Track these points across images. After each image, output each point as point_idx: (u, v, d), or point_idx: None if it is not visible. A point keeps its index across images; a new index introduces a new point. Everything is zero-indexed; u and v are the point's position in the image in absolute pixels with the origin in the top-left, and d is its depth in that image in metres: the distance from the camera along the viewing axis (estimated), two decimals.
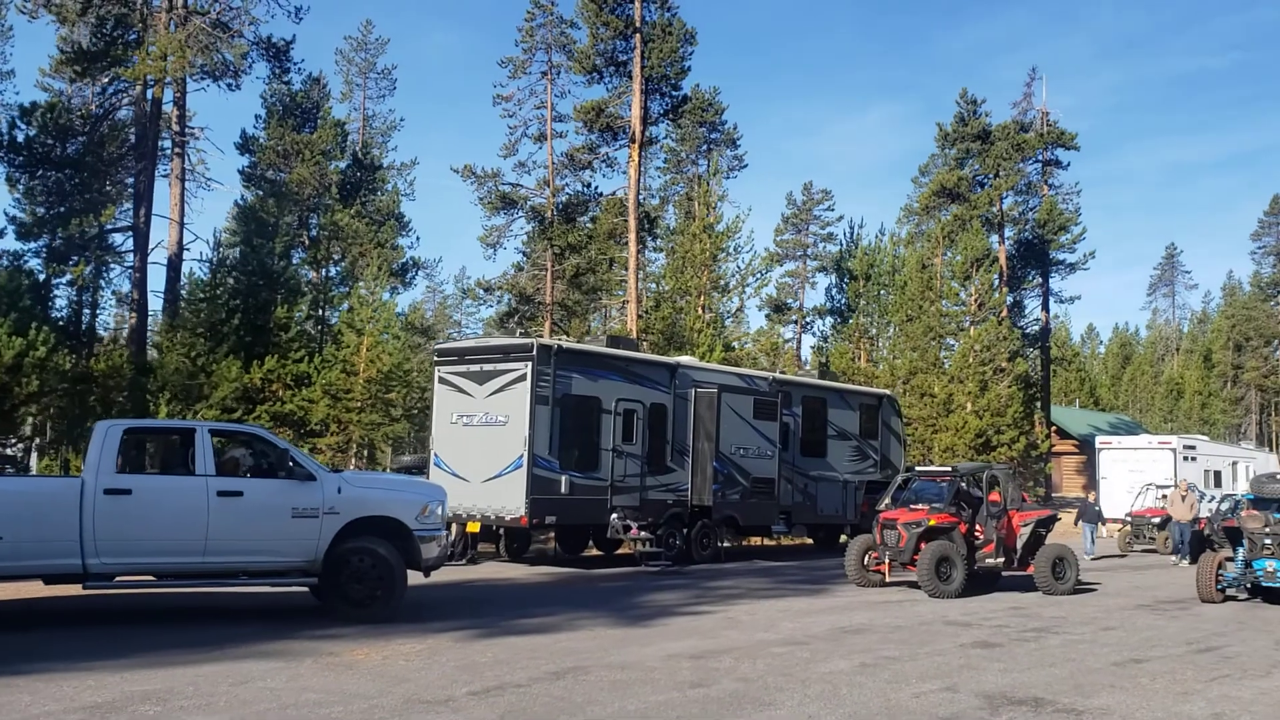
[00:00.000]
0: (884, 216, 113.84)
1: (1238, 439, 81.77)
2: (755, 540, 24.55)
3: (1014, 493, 16.75)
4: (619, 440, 18.60)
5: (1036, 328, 48.84)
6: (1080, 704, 8.24)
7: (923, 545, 15.69)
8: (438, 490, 12.42)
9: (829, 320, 46.14)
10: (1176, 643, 11.68)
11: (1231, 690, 8.96)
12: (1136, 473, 33.95)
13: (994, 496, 16.62)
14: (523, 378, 17.53)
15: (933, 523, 15.87)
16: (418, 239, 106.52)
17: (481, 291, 44.14)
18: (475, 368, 18.29)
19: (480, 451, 17.95)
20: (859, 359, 43.69)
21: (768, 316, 76.01)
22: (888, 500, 17.24)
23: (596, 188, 36.80)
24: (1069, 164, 49.54)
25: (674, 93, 34.11)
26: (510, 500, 17.41)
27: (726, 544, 24.99)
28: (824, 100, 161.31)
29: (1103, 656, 10.55)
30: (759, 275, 34.96)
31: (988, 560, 16.24)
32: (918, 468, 18.06)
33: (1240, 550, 16.12)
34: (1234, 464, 37.17)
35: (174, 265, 28.80)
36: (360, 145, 49.20)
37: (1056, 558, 16.44)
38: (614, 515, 18.43)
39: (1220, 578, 15.99)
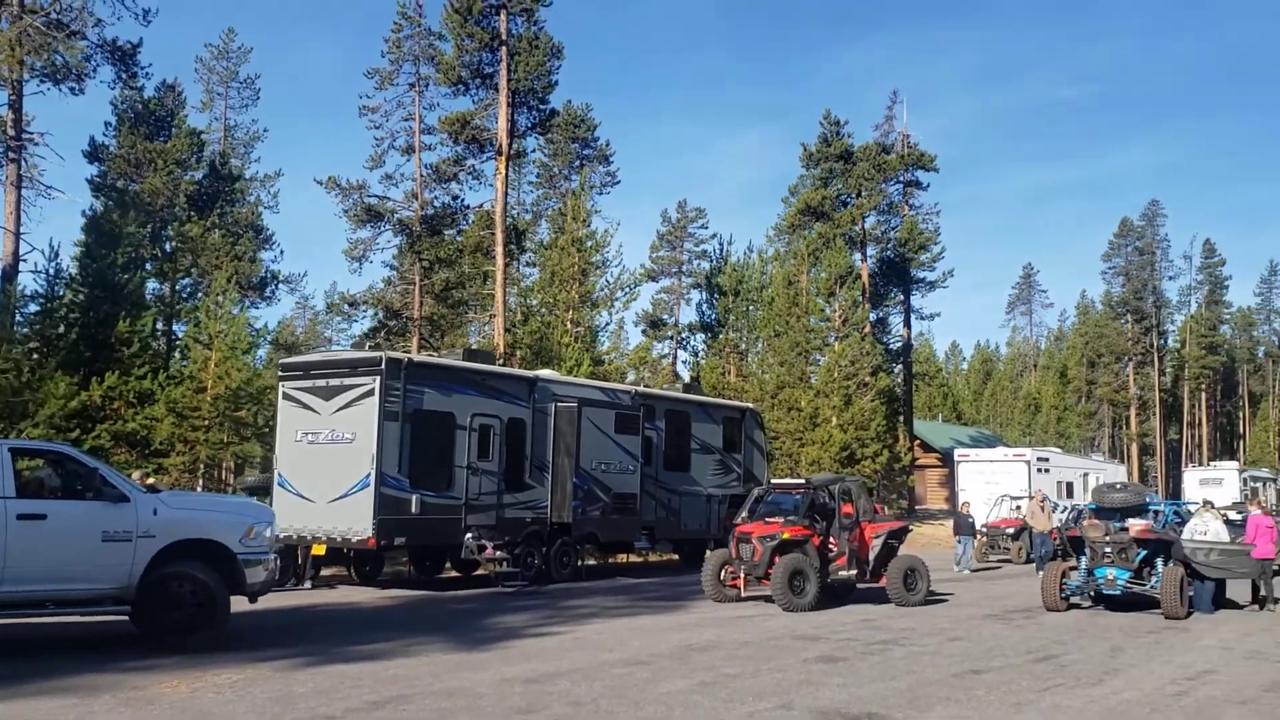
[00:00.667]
0: (758, 236, 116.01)
1: (1091, 451, 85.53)
2: (623, 557, 24.31)
3: (866, 504, 16.86)
4: (474, 457, 18.07)
5: (899, 344, 50.01)
6: (913, 718, 8.14)
7: (777, 559, 15.63)
8: (264, 511, 11.76)
9: (700, 336, 46.28)
10: (1018, 652, 11.80)
11: (1063, 699, 9.01)
12: (993, 484, 34.93)
13: (847, 509, 16.70)
14: (370, 393, 16.86)
15: (786, 536, 15.83)
16: (282, 253, 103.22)
17: (346, 306, 42.80)
18: (321, 383, 17.54)
19: (326, 471, 17.19)
20: (729, 374, 43.99)
21: (644, 332, 76.02)
22: (744, 514, 17.16)
23: (464, 201, 36.13)
24: (928, 185, 51.16)
25: (541, 106, 33.75)
26: (357, 521, 16.68)
27: (592, 561, 24.74)
28: (702, 120, 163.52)
29: (944, 668, 10.55)
30: (628, 290, 34.83)
31: (841, 573, 16.28)
32: (772, 480, 18.06)
33: (1083, 559, 16.56)
34: (1085, 475, 38.59)
35: (8, 276, 27.07)
36: (219, 155, 47.43)
37: (908, 569, 16.59)
38: (469, 535, 17.86)
39: (1064, 586, 16.36)
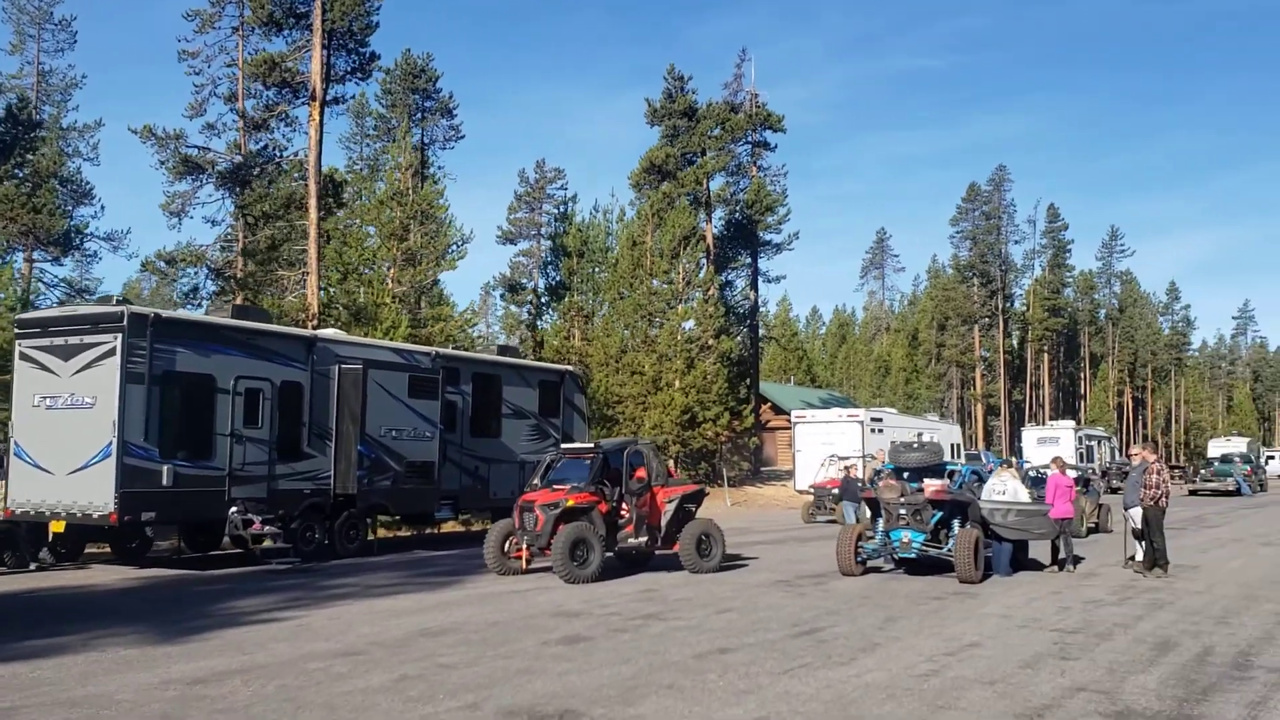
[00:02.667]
0: (622, 198, 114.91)
1: (940, 413, 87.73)
2: (448, 526, 23.03)
3: (660, 468, 15.94)
4: (240, 424, 16.46)
5: (747, 306, 49.66)
6: (615, 714, 7.13)
7: (561, 528, 14.58)
8: None
9: (544, 298, 44.94)
10: (784, 625, 11.00)
11: (798, 684, 8.15)
12: (828, 445, 34.78)
13: (640, 473, 15.75)
14: (112, 352, 15.10)
15: (571, 504, 14.80)
16: (103, 208, 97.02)
17: (163, 265, 39.93)
18: (60, 341, 15.65)
19: (65, 439, 15.40)
20: (574, 337, 42.87)
21: (502, 296, 74.18)
22: (535, 481, 16.05)
23: (277, 151, 33.80)
24: (776, 146, 50.64)
25: (360, 49, 31.71)
26: (98, 495, 14.98)
27: (407, 533, 23.37)
28: (578, 83, 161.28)
29: (693, 646, 9.63)
30: (456, 247, 33.11)
31: (630, 540, 15.35)
32: (563, 445, 17.02)
33: (880, 521, 16.01)
34: (919, 435, 38.86)
35: None
36: (18, 100, 43.65)
37: (702, 534, 15.78)
38: (233, 509, 16.30)
39: (860, 549, 15.78)
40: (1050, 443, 52.12)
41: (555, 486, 15.38)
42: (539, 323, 45.49)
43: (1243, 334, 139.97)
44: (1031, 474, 19.43)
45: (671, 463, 40.10)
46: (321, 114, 30.20)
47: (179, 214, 40.06)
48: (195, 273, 41.30)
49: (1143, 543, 16.13)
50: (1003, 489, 15.90)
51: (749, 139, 48.58)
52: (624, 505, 15.46)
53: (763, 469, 52.09)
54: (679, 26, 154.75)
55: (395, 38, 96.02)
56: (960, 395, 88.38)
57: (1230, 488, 53.19)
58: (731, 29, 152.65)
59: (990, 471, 22.21)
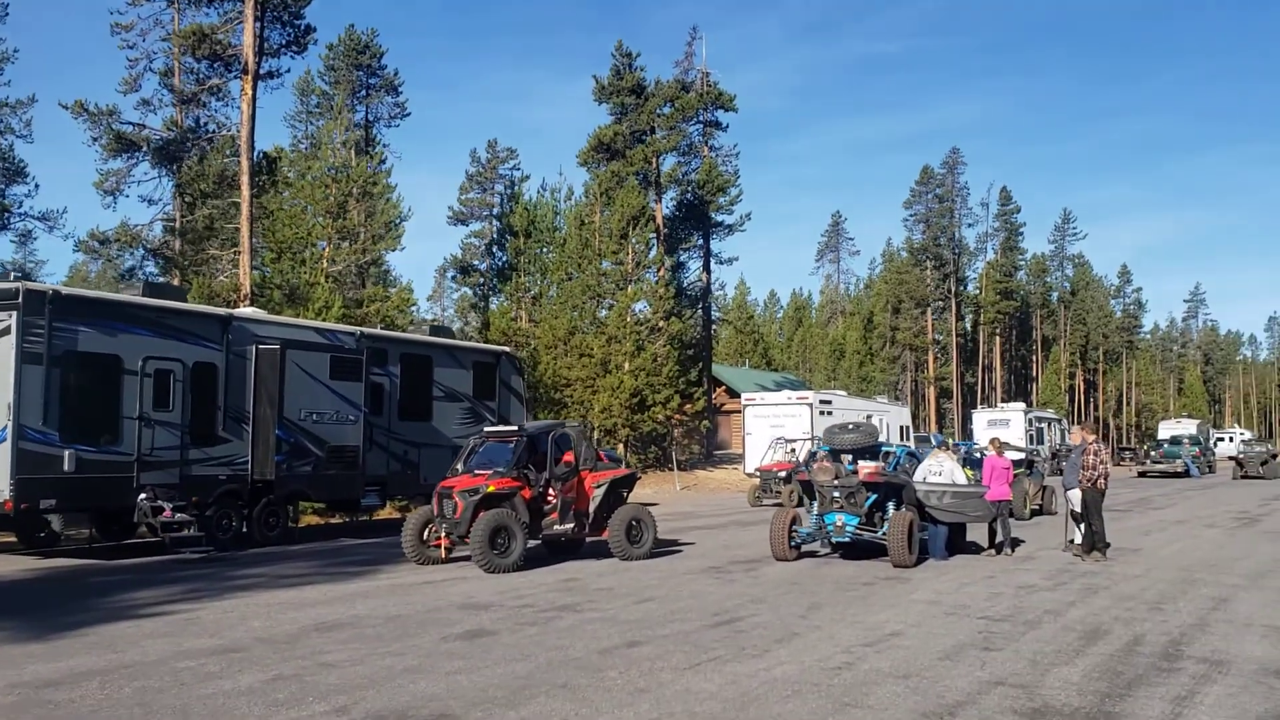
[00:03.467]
0: (576, 181, 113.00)
1: (894, 395, 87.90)
2: (389, 512, 22.38)
3: (588, 452, 15.36)
4: (149, 407, 15.69)
5: (699, 288, 49.14)
6: (490, 716, 6.58)
7: (481, 515, 13.99)
8: None
9: (490, 278, 44.12)
10: (703, 615, 10.50)
11: (701, 680, 7.64)
12: (778, 428, 34.42)
13: (567, 457, 15.19)
14: (7, 331, 14.27)
15: (491, 489, 14.21)
16: (37, 186, 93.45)
17: (97, 245, 38.66)
18: None
19: None
20: (520, 319, 42.18)
21: (453, 278, 73.40)
22: (459, 466, 15.44)
23: (230, 127, 32.68)
24: (728, 126, 50.04)
25: (296, 21, 30.69)
26: None
27: (339, 521, 22.68)
28: (533, 67, 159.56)
29: (601, 641, 9.10)
30: (395, 224, 32.18)
31: (555, 527, 14.79)
32: (485, 429, 16.42)
33: (814, 504, 15.57)
34: (869, 417, 38.64)
35: None
36: None
37: (632, 520, 15.26)
38: (142, 496, 15.54)
39: (794, 534, 15.34)
40: (1001, 424, 52.18)
41: (477, 471, 14.78)
42: (490, 304, 44.70)
43: (1194, 317, 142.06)
44: (975, 455, 19.08)
45: (621, 447, 39.80)
46: (254, 88, 29.17)
47: (113, 193, 38.85)
48: (133, 253, 40.23)
49: (1082, 525, 15.83)
50: (938, 470, 15.52)
51: (700, 118, 47.96)
52: (550, 491, 14.90)
53: (716, 452, 51.71)
54: (639, 10, 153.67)
55: (345, 16, 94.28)
56: (914, 378, 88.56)
57: (1179, 469, 53.61)
58: (691, 13, 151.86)
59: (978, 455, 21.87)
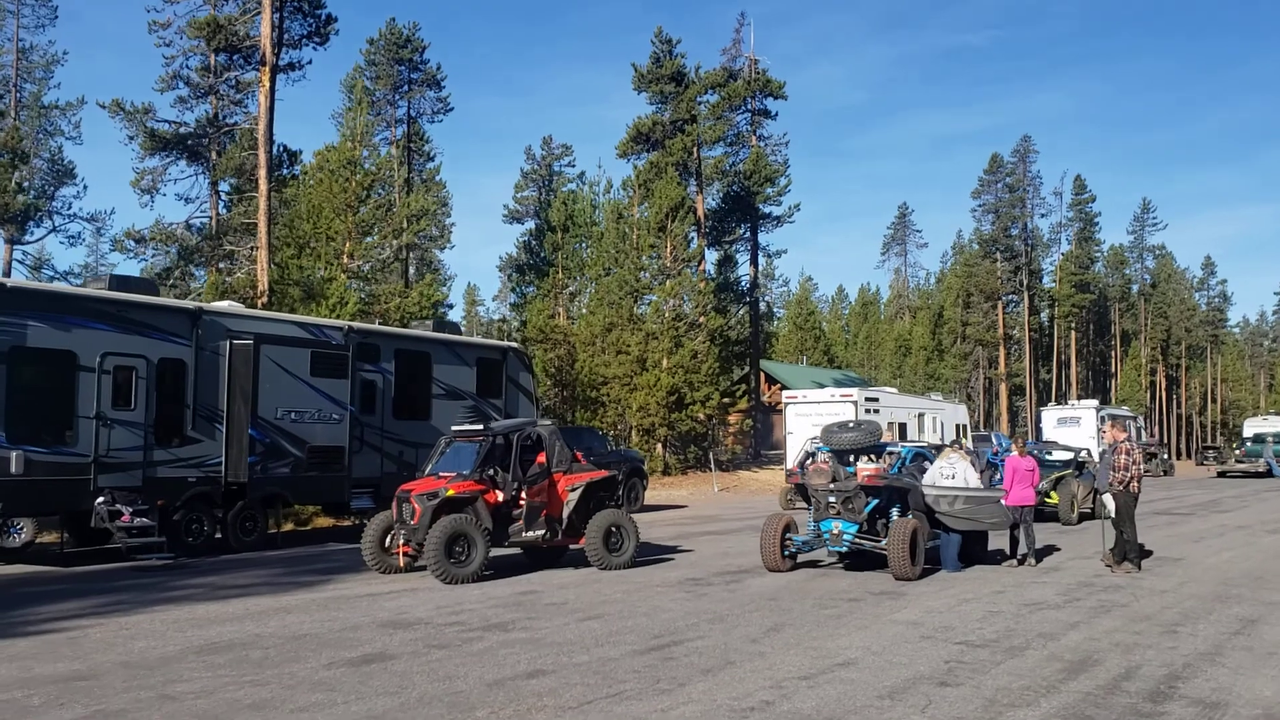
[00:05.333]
0: (614, 172, 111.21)
1: (966, 393, 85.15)
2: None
3: (563, 453, 14.20)
4: (108, 405, 14.96)
5: (748, 281, 47.64)
6: None
7: (439, 521, 12.93)
8: None
9: (529, 275, 43.26)
10: (644, 637, 9.29)
11: None
12: (820, 426, 32.88)
13: (540, 458, 14.07)
14: None
15: (451, 493, 13.13)
16: (85, 187, 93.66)
17: (132, 244, 38.70)
18: None
19: None
20: (558, 315, 41.23)
21: (510, 276, 72.84)
22: (428, 467, 14.41)
23: (230, 119, 32.32)
24: (777, 114, 48.46)
25: (316, 12, 30.11)
26: None
27: (343, 523, 21.84)
28: (596, 64, 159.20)
29: (503, 669, 7.96)
30: (414, 219, 31.35)
31: (525, 534, 13.66)
32: (453, 428, 15.33)
33: (812, 511, 14.24)
34: (920, 416, 36.83)
35: None
36: None
37: (611, 526, 14.08)
38: (100, 500, 14.80)
39: (789, 542, 14.01)
40: (1071, 423, 49.74)
41: (441, 474, 13.73)
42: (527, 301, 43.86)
43: None
44: (992, 459, 17.51)
45: (659, 447, 38.58)
46: (273, 80, 28.68)
47: (150, 191, 38.96)
48: (168, 251, 40.22)
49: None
50: (950, 473, 14.04)
51: (748, 107, 46.48)
52: (523, 494, 13.79)
53: (771, 452, 50.18)
54: (703, 4, 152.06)
55: (388, 8, 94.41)
56: (986, 375, 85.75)
57: (1261, 469, 50.65)
58: (764, 7, 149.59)
59: (997, 454, 20.24)
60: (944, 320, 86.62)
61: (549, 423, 14.83)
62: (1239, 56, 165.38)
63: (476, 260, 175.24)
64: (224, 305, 18.02)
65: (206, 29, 28.61)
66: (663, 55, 41.25)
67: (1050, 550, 16.48)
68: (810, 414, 33.85)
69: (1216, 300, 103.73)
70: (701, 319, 38.26)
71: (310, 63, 30.60)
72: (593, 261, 39.82)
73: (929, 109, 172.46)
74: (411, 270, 68.50)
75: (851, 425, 14.76)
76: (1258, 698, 7.06)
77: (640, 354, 37.20)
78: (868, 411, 33.79)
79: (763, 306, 59.03)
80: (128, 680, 7.64)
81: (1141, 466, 14.03)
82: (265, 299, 27.50)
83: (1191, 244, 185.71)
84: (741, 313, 46.57)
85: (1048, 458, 25.23)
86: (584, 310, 40.11)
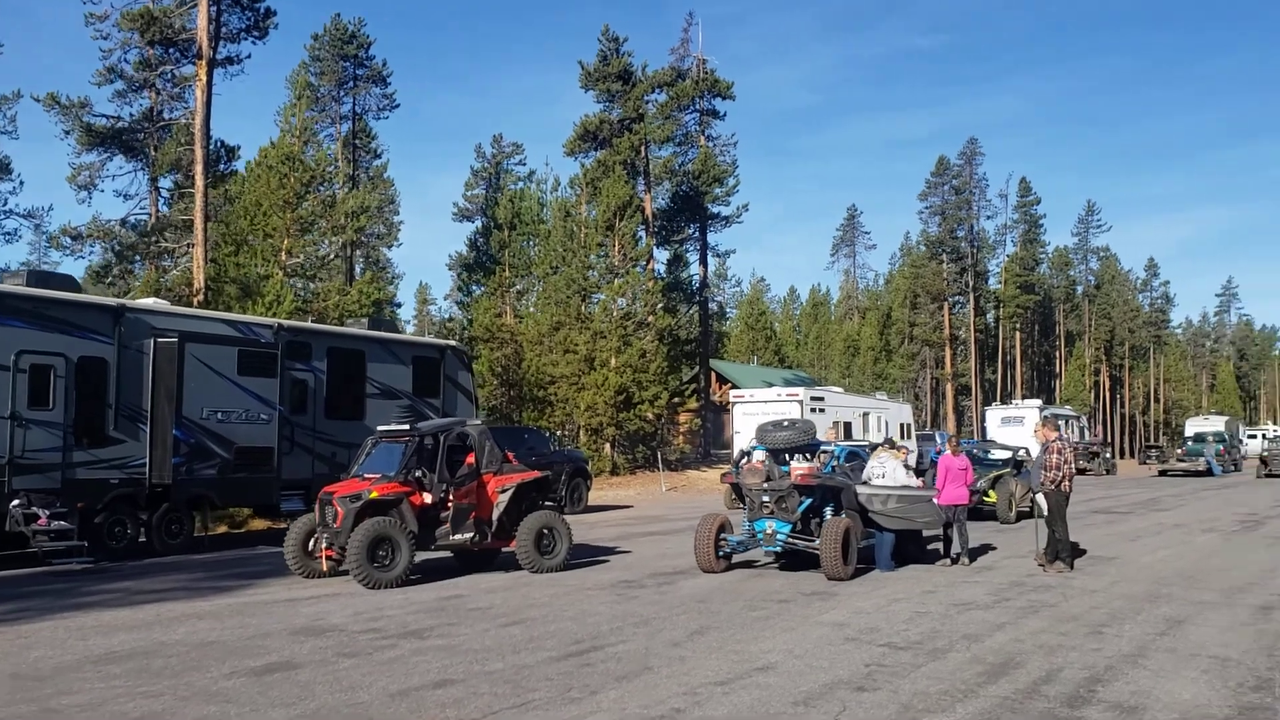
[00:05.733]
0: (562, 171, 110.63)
1: (914, 393, 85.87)
2: None
3: (493, 453, 13.92)
4: (23, 405, 14.45)
5: (697, 281, 47.51)
6: None
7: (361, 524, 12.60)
8: None
9: (476, 273, 42.82)
10: (563, 643, 9.07)
11: None
12: None
13: (469, 459, 13.80)
14: None
15: (374, 495, 12.81)
16: (21, 183, 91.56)
17: (68, 240, 37.74)
18: None
19: None
20: (505, 314, 40.87)
21: (460, 275, 72.16)
22: (354, 469, 14.06)
23: (161, 113, 31.58)
24: (725, 114, 48.44)
25: (255, 5, 29.50)
26: None
27: (282, 524, 21.35)
28: (561, 66, 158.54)
29: (411, 679, 7.70)
30: (354, 215, 30.79)
31: (452, 536, 13.37)
32: (379, 428, 14.98)
33: (746, 510, 14.11)
34: (865, 415, 36.96)
35: None
36: None
37: (542, 528, 13.82)
38: (14, 502, 14.29)
39: (724, 542, 13.86)
40: (1015, 422, 50.26)
41: (365, 476, 13.40)
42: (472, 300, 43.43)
43: (1226, 311, 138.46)
44: (935, 458, 17.47)
45: (608, 446, 38.36)
46: (210, 74, 28.05)
47: (88, 187, 38.10)
48: (105, 249, 39.29)
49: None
50: (881, 472, 13.97)
51: (696, 107, 46.39)
52: (451, 496, 13.50)
53: (721, 451, 50.13)
54: (659, 5, 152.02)
55: (333, 4, 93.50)
56: (933, 375, 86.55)
57: (1200, 468, 51.43)
58: (718, 9, 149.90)
59: (940, 453, 20.23)
60: (892, 321, 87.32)
61: (478, 422, 14.56)
62: (1184, 61, 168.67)
63: (430, 259, 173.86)
64: (149, 302, 17.54)
65: (141, 21, 27.91)
66: (610, 53, 41.01)
67: (985, 549, 16.50)
68: (757, 413, 33.82)
69: (1159, 301, 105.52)
70: (650, 318, 38.11)
71: (249, 57, 30.01)
72: (540, 260, 39.50)
73: (879, 111, 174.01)
74: (359, 268, 67.81)
75: (786, 424, 14.65)
76: (1175, 701, 6.99)
77: (588, 353, 36.97)
78: (813, 411, 33.87)
79: (714, 306, 58.96)
80: (13, 693, 7.29)
81: (1073, 466, 14.05)
82: (202, 297, 26.91)
83: (1135, 246, 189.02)
84: (691, 312, 46.45)
85: (986, 457, 25.39)
86: (531, 309, 39.77)
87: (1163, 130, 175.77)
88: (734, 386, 59.93)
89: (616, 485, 35.31)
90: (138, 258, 31.92)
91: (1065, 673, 7.84)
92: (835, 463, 14.21)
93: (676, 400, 39.54)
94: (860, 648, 8.81)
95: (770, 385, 55.98)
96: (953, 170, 77.35)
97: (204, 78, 27.84)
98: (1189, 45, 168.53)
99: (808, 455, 14.35)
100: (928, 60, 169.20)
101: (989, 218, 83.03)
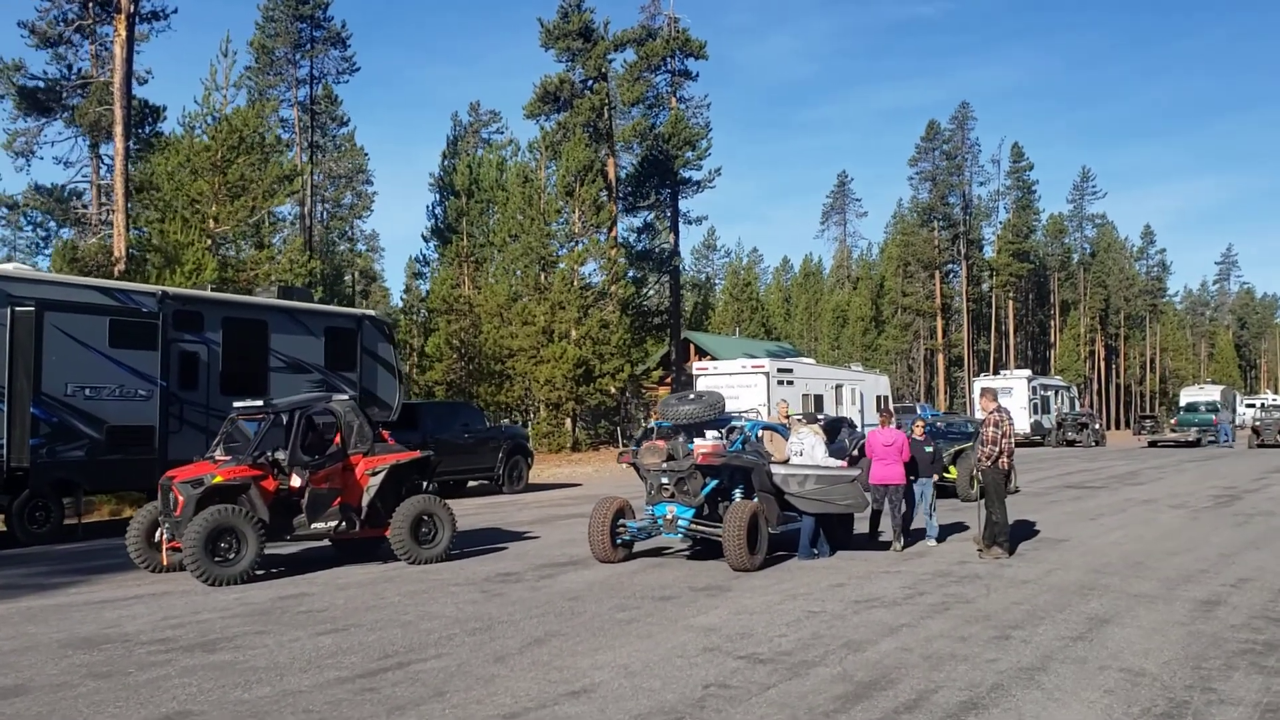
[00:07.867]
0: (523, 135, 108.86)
1: (907, 364, 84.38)
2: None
3: (363, 432, 12.49)
4: None
5: (667, 249, 45.93)
6: None
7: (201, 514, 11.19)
8: None
9: (433, 244, 41.30)
10: (375, 655, 7.70)
11: None
12: (732, 399, 31.45)
13: (336, 439, 12.38)
14: None
15: (219, 480, 11.39)
16: None
17: (4, 210, 36.23)
18: None
19: None
20: (463, 284, 39.38)
21: (436, 247, 70.70)
22: (212, 452, 12.64)
23: (80, 71, 29.97)
24: (698, 75, 46.73)
25: None
26: None
27: None
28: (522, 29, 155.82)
29: (149, 708, 6.32)
30: (284, 180, 29.15)
31: (314, 525, 11.97)
32: (236, 405, 13.54)
33: (646, 494, 12.69)
34: (838, 387, 35.57)
35: None
36: None
37: (421, 515, 12.41)
38: None
39: (623, 529, 12.46)
40: (1004, 393, 48.81)
41: (215, 459, 11.98)
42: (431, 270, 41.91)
43: (1226, 280, 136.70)
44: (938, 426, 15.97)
45: (568, 422, 36.96)
46: (130, 29, 26.43)
47: (25, 154, 36.56)
48: (46, 219, 37.80)
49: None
50: (799, 449, 12.54)
51: (667, 67, 44.67)
52: (317, 480, 12.08)
53: None
54: None
55: None
56: (926, 345, 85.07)
57: (1191, 438, 50.02)
58: None
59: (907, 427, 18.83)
60: (885, 291, 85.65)
61: (345, 397, 13.11)
62: (1180, 31, 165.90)
63: (419, 232, 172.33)
64: (8, 268, 16.06)
65: None
66: (570, 10, 39.23)
67: (910, 536, 15.03)
68: (721, 386, 32.38)
69: (1156, 270, 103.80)
70: (612, 287, 36.59)
71: (175, 11, 28.37)
72: (499, 228, 37.95)
73: (876, 82, 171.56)
74: (335, 238, 66.14)
75: (691, 397, 13.19)
76: None
77: (546, 324, 35.52)
78: (780, 384, 32.50)
79: (703, 278, 57.21)
80: None
81: (1013, 441, 12.60)
82: (123, 266, 25.45)
83: (1132, 216, 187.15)
84: (662, 281, 44.92)
85: (951, 430, 23.94)
86: (491, 280, 38.28)
87: (1160, 100, 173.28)
88: (714, 359, 58.59)
89: (576, 462, 33.91)
90: (53, 224, 30.49)
91: (939, 694, 6.42)
92: (745, 440, 12.76)
93: (641, 373, 38.07)
94: (715, 660, 7.40)
95: (752, 357, 54.56)
96: (944, 135, 75.58)
97: (123, 33, 26.21)
98: (1183, 16, 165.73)
99: (721, 431, 12.92)
100: (925, 30, 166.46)
101: (981, 184, 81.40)
